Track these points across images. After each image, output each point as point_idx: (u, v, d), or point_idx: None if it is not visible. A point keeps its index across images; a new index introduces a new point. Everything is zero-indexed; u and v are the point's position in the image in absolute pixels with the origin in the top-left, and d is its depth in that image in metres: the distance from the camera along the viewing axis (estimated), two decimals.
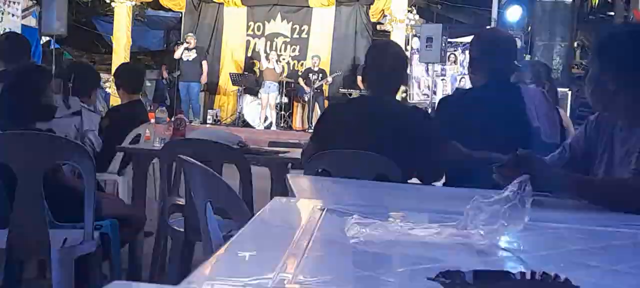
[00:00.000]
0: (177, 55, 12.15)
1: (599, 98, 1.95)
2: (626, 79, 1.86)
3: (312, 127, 11.75)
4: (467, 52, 13.81)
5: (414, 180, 2.83)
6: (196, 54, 12.12)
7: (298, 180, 2.04)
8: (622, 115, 1.92)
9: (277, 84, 12.22)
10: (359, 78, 12.62)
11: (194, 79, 12.16)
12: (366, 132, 2.77)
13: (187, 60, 12.09)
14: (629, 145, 1.88)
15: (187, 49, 12.04)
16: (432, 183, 2.84)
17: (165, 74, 13.22)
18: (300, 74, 12.84)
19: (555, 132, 2.82)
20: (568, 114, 7.74)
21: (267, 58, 12.59)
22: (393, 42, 4.46)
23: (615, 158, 1.93)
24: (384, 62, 2.90)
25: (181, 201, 3.45)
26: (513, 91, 2.83)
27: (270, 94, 12.16)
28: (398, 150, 2.64)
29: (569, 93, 8.65)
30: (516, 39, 10.71)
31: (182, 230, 3.17)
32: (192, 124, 11.18)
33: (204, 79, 12.34)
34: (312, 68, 12.46)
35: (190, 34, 12.52)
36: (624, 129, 1.92)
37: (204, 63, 12.30)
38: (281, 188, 3.20)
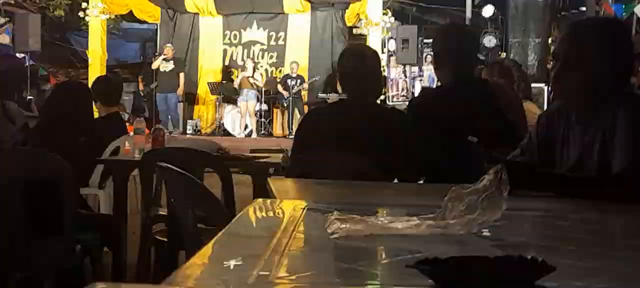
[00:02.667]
0: (154, 66, 12.09)
1: (561, 89, 2.00)
2: (586, 70, 1.90)
3: (292, 134, 11.81)
4: None
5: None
6: (173, 65, 12.08)
7: (279, 183, 2.05)
8: (583, 105, 1.96)
9: (255, 92, 12.22)
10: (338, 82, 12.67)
11: (171, 90, 12.11)
12: (345, 135, 2.79)
13: (164, 71, 12.04)
14: (589, 135, 1.92)
15: (164, 59, 12.00)
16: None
17: (141, 86, 13.13)
18: (278, 80, 12.85)
19: (525, 124, 2.87)
20: (545, 108, 7.84)
21: (244, 66, 12.57)
22: (364, 45, 4.48)
23: (574, 149, 1.96)
24: (357, 65, 2.91)
25: (164, 211, 3.44)
26: (479, 86, 2.88)
27: (248, 102, 12.16)
28: (377, 152, 2.66)
29: (545, 88, 8.75)
30: (490, 37, 10.86)
31: (165, 240, 3.16)
32: (172, 134, 11.13)
33: (181, 90, 12.29)
34: (290, 74, 12.47)
35: (167, 44, 12.48)
36: (581, 121, 1.96)
37: (182, 74, 12.25)
38: (263, 195, 3.18)
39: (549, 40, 11.13)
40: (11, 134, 3.31)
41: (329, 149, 2.74)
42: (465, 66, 2.84)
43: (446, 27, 3.70)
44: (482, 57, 3.09)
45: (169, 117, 12.24)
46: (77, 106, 3.06)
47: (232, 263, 0.91)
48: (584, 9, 11.11)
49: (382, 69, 3.13)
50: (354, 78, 2.91)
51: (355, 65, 2.92)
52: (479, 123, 2.66)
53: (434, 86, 11.79)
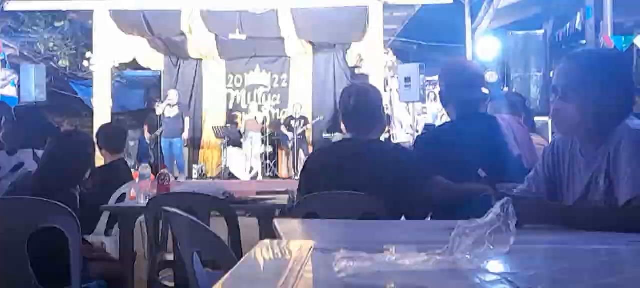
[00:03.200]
0: (159, 112, 12.17)
1: (562, 122, 1.99)
2: (587, 103, 1.90)
3: (296, 174, 11.80)
4: None
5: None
6: (178, 110, 12.16)
7: (285, 224, 2.04)
8: (585, 138, 1.95)
9: (260, 134, 12.26)
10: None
11: (176, 135, 12.18)
12: (350, 174, 2.78)
13: (169, 116, 12.12)
14: (593, 167, 1.91)
15: (169, 104, 12.09)
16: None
17: (147, 133, 13.18)
18: (282, 122, 12.90)
19: (534, 158, 2.86)
20: (550, 141, 7.83)
21: (248, 109, 12.65)
22: (365, 83, 4.50)
23: (580, 182, 1.95)
24: (358, 103, 2.92)
25: (170, 256, 3.42)
26: (486, 121, 2.88)
27: (253, 145, 12.19)
28: (382, 190, 2.66)
29: (549, 121, 8.75)
30: (493, 72, 10.90)
31: (172, 285, 3.14)
32: (178, 179, 11.14)
33: (186, 135, 12.35)
34: (294, 115, 12.53)
35: (172, 90, 12.58)
36: (585, 153, 1.95)
37: (187, 119, 12.33)
38: (269, 237, 3.18)
39: (551, 73, 11.16)
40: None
41: (334, 188, 2.73)
42: (471, 101, 2.85)
43: (452, 62, 3.70)
44: (485, 91, 3.09)
45: (175, 162, 12.26)
46: (77, 155, 3.06)
47: None
48: (584, 42, 11.17)
49: (384, 105, 3.12)
50: (356, 116, 2.92)
51: (357, 103, 2.92)
52: (486, 157, 2.65)
53: (438, 123, 11.85)
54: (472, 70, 3.07)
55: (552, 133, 8.60)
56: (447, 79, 2.97)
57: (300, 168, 11.96)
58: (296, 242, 1.55)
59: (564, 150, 2.04)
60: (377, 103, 3.03)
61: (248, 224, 3.65)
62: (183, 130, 12.24)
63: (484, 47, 11.38)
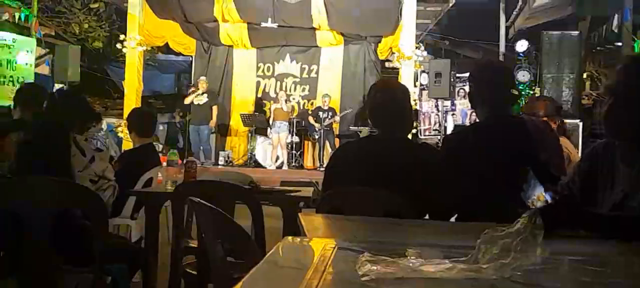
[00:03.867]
0: (187, 101, 12.29)
1: (615, 125, 1.92)
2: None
3: (323, 166, 11.81)
4: None
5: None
6: (207, 99, 12.25)
7: (309, 219, 2.04)
8: (632, 144, 1.90)
9: (287, 124, 12.28)
10: None
11: (204, 122, 12.27)
12: (376, 171, 2.77)
13: (198, 104, 12.22)
14: (634, 175, 1.86)
15: (198, 92, 12.19)
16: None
17: (178, 118, 13.31)
18: (310, 112, 12.91)
19: (561, 162, 2.82)
20: (580, 144, 7.72)
21: (277, 98, 12.68)
22: (394, 81, 4.46)
23: (619, 190, 1.90)
24: (386, 101, 2.90)
25: (194, 243, 3.45)
26: (515, 123, 2.84)
27: (280, 134, 12.22)
28: (408, 188, 2.64)
29: (580, 124, 8.62)
30: (524, 71, 10.76)
31: (195, 272, 3.16)
32: (204, 165, 11.24)
33: (213, 123, 12.44)
34: (322, 106, 12.52)
35: (202, 78, 12.66)
36: (626, 161, 1.90)
37: (215, 107, 12.41)
38: (293, 228, 3.19)
39: (584, 75, 10.99)
40: (84, 165, 3.38)
41: (359, 184, 2.72)
42: (500, 103, 2.81)
43: (482, 63, 3.66)
44: (515, 92, 3.05)
45: (201, 148, 12.36)
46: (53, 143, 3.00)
47: None
48: (619, 44, 10.96)
49: (413, 103, 3.09)
50: (383, 113, 2.90)
51: (384, 100, 2.90)
52: (511, 161, 2.61)
53: (467, 122, 11.75)
54: (503, 71, 3.03)
55: (583, 136, 8.48)
56: (477, 79, 2.93)
57: (325, 160, 11.99)
58: (319, 240, 1.54)
59: (603, 156, 1.98)
60: (405, 101, 3.00)
61: (271, 213, 3.66)
62: (211, 118, 12.32)
63: (518, 46, 11.25)
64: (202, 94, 12.20)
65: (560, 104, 4.07)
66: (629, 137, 1.90)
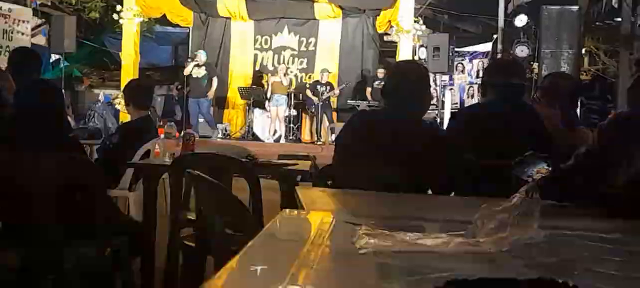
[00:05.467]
0: (186, 72, 12.20)
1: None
2: None
3: (319, 139, 11.79)
4: (474, 61, 13.85)
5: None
6: (205, 71, 12.19)
7: (307, 193, 2.05)
8: None
9: (285, 97, 12.25)
10: (368, 89, 12.70)
11: (203, 95, 12.23)
12: (381, 148, 2.76)
13: (197, 77, 12.16)
14: None
15: (197, 65, 12.12)
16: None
17: (175, 91, 13.27)
18: (308, 86, 12.87)
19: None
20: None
21: (275, 71, 12.62)
22: (416, 63, 4.38)
23: (635, 166, 1.89)
24: (405, 84, 2.86)
25: (192, 216, 3.46)
26: (528, 111, 2.90)
27: (278, 107, 12.19)
28: (410, 166, 2.64)
29: (578, 100, 8.61)
30: (523, 46, 10.71)
31: (193, 244, 3.18)
32: (209, 138, 11.30)
33: (211, 94, 12.39)
34: (320, 80, 12.48)
35: (200, 50, 12.59)
36: None
37: (214, 79, 12.35)
38: (290, 201, 3.20)
39: (583, 51, 10.95)
40: None
41: (366, 159, 2.71)
42: (510, 87, 2.87)
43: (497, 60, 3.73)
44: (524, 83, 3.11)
45: (199, 121, 12.33)
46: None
47: (260, 278, 0.91)
48: (619, 19, 10.92)
49: (430, 86, 3.09)
50: (398, 95, 2.85)
51: (401, 84, 2.87)
52: (518, 143, 2.63)
53: (464, 96, 11.74)
54: (516, 64, 3.12)
55: (581, 113, 8.47)
56: (490, 71, 3.02)
57: (323, 134, 12.00)
58: (317, 213, 1.55)
59: (623, 129, 1.97)
60: (422, 82, 2.95)
61: (269, 185, 3.67)
62: (209, 90, 12.27)
63: (516, 21, 11.18)
64: (201, 66, 12.14)
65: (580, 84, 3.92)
66: None
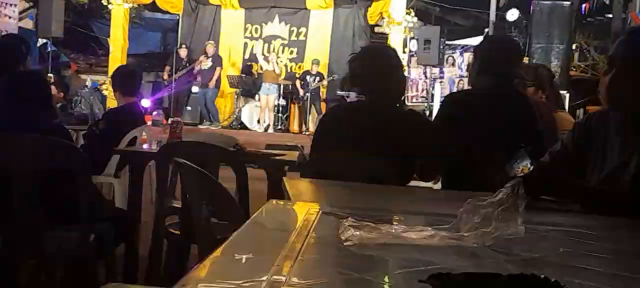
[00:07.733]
0: (204, 67, 12.27)
1: (615, 96, 1.89)
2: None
3: (307, 130, 11.78)
4: (465, 54, 13.87)
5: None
6: (212, 62, 12.25)
7: (294, 183, 2.04)
8: (629, 117, 1.88)
9: (276, 86, 12.23)
10: None
11: (210, 85, 12.32)
12: (363, 137, 2.76)
13: (205, 68, 12.23)
14: (627, 149, 1.85)
15: (206, 56, 12.23)
16: (429, 184, 2.86)
17: (166, 76, 13.15)
18: (297, 76, 12.85)
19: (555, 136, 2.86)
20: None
21: (266, 60, 12.59)
22: (382, 44, 4.42)
23: (610, 162, 1.90)
24: (376, 68, 2.86)
25: (178, 204, 3.45)
26: (516, 96, 2.88)
27: (269, 96, 12.17)
28: (395, 154, 2.64)
29: (567, 96, 8.66)
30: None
31: (178, 232, 3.17)
32: (211, 127, 11.44)
33: (212, 83, 12.40)
34: (310, 71, 12.46)
35: (210, 41, 12.64)
36: (621, 133, 1.90)
37: (218, 69, 12.39)
38: (277, 191, 3.19)
39: (573, 47, 11.00)
40: None
41: (345, 150, 2.72)
42: (507, 76, 2.86)
43: (497, 37, 3.68)
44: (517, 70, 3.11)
45: (207, 109, 12.42)
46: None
47: (244, 268, 0.91)
48: (610, 16, 10.97)
49: (403, 69, 3.07)
50: (373, 79, 2.86)
51: (372, 64, 2.87)
52: (508, 131, 2.64)
53: (455, 89, 11.75)
54: (512, 45, 3.10)
55: (570, 108, 8.53)
56: (484, 49, 2.97)
57: (311, 124, 11.98)
58: (303, 204, 1.55)
59: (598, 127, 1.96)
60: (393, 66, 2.94)
61: (256, 175, 3.66)
62: (212, 80, 12.31)
63: (508, 15, 11.20)
64: (208, 57, 12.23)
65: (551, 74, 3.98)
66: (629, 111, 1.86)
